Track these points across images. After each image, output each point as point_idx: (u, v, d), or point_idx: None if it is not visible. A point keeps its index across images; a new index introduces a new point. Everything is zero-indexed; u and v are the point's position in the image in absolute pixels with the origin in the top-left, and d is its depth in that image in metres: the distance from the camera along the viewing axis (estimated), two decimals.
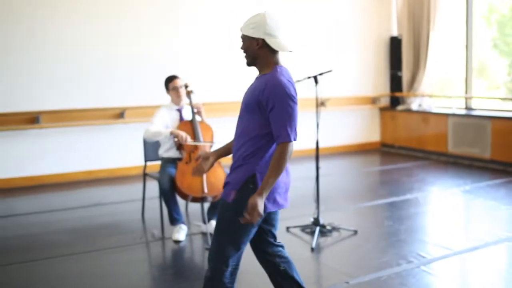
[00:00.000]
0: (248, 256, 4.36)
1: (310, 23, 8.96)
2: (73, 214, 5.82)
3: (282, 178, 2.70)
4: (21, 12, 7.04)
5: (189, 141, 4.69)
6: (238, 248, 2.72)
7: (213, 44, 8.15)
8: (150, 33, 7.75)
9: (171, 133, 4.72)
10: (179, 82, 4.99)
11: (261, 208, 2.55)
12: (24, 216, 5.78)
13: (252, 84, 2.74)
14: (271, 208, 2.68)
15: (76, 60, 7.36)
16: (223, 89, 8.23)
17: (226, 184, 2.74)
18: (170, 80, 5.01)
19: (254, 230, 2.74)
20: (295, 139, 2.59)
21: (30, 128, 7.12)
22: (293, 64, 8.54)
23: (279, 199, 2.72)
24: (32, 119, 7.13)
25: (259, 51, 2.67)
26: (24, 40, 7.06)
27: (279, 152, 2.57)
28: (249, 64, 2.76)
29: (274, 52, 2.67)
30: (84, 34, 7.37)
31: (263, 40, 2.64)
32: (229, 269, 2.73)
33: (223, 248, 2.70)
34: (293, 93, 2.59)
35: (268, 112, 2.59)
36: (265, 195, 2.57)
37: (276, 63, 2.69)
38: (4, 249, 4.72)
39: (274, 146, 2.65)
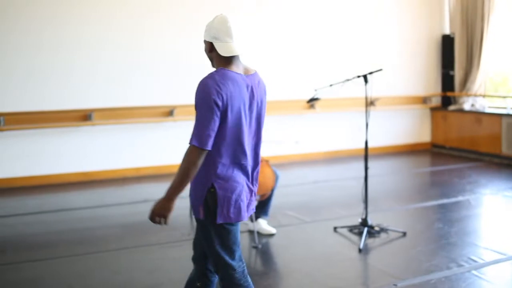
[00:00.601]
0: (294, 256, 4.36)
1: (362, 22, 8.86)
2: (122, 210, 5.94)
3: (236, 190, 2.62)
4: (71, 13, 7.22)
5: None
6: (233, 252, 2.69)
7: (259, 43, 8.17)
8: (199, 32, 7.80)
9: None
10: None
11: (164, 210, 2.59)
12: (76, 210, 5.93)
13: None
14: (219, 219, 2.60)
15: (129, 60, 7.49)
16: (272, 88, 8.22)
17: (192, 202, 2.70)
18: None
19: (237, 230, 2.72)
20: (199, 146, 2.47)
21: (83, 125, 7.30)
22: (344, 63, 8.53)
23: (229, 212, 2.62)
24: (84, 117, 7.31)
25: (211, 54, 2.67)
26: (76, 40, 7.23)
27: (184, 154, 2.52)
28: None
29: (222, 56, 2.60)
30: (138, 33, 7.50)
31: (211, 43, 2.63)
32: (238, 270, 2.71)
33: (220, 258, 2.68)
34: (213, 96, 2.46)
35: None
36: (171, 196, 2.58)
37: (227, 62, 2.61)
38: (56, 243, 4.85)
39: (223, 150, 2.58)
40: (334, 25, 8.69)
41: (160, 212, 2.59)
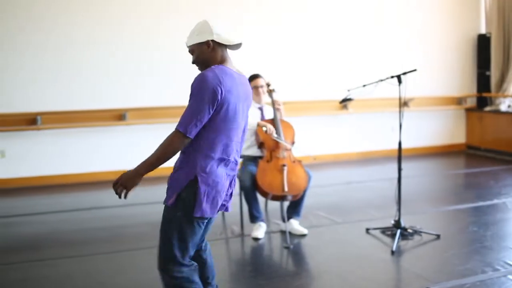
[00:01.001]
0: (326, 257, 4.34)
1: (397, 21, 8.78)
2: (156, 208, 5.96)
3: (217, 186, 2.65)
4: (130, 15, 7.33)
5: (274, 135, 4.71)
6: (187, 249, 2.69)
7: (294, 42, 8.16)
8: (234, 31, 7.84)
9: (258, 124, 4.75)
10: (260, 82, 5.01)
11: (129, 182, 2.65)
12: (108, 209, 6.01)
13: None
14: (197, 213, 2.61)
15: (169, 59, 7.57)
16: (304, 88, 8.21)
17: (168, 188, 2.72)
18: (251, 78, 5.05)
19: (201, 231, 2.73)
20: (184, 132, 2.56)
21: (117, 125, 7.41)
22: (377, 63, 8.43)
23: (207, 206, 2.64)
24: (119, 116, 7.41)
25: (212, 53, 2.69)
26: (113, 40, 7.34)
27: (168, 136, 2.63)
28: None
29: (223, 50, 2.70)
30: (180, 33, 7.58)
31: (212, 40, 2.66)
32: (184, 271, 2.70)
33: (172, 251, 2.67)
34: (214, 88, 2.52)
35: None
36: (140, 171, 2.67)
37: (222, 61, 2.71)
38: (89, 240, 4.92)
39: (213, 144, 2.62)
40: (369, 24, 8.63)
41: (125, 183, 2.64)
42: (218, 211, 2.76)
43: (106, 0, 7.34)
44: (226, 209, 2.84)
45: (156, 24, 7.52)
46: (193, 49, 2.73)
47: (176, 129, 2.58)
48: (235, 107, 2.62)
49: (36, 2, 7.09)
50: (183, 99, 7.71)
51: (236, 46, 2.77)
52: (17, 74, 7.03)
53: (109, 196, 6.70)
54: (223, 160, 2.67)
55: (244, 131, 2.80)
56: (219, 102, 2.54)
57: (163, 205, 2.74)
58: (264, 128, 4.70)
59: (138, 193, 6.61)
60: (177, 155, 2.73)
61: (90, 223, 5.51)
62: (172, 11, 7.57)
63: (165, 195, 2.74)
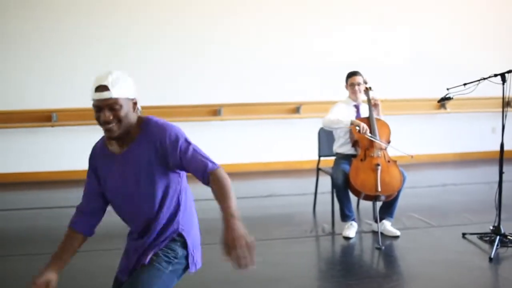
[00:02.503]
0: (419, 260, 4.22)
1: (499, 15, 8.38)
2: (247, 203, 6.08)
3: (199, 237, 2.57)
4: (220, 15, 7.51)
5: (368, 134, 4.65)
6: None
7: (393, 40, 8.00)
8: (329, 31, 7.82)
9: (352, 123, 4.70)
10: (357, 79, 4.95)
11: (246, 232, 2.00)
12: (202, 201, 6.15)
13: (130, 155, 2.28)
14: (192, 268, 2.49)
15: (258, 58, 7.67)
16: (401, 86, 8.03)
17: (147, 249, 2.36)
18: (349, 75, 5.00)
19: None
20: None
21: (213, 120, 7.58)
22: (478, 60, 8.08)
23: (198, 258, 2.54)
24: (214, 112, 7.58)
25: (134, 114, 2.26)
26: (216, 41, 7.53)
27: (221, 176, 2.32)
28: (120, 136, 2.24)
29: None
30: (265, 34, 7.66)
31: (136, 100, 2.26)
32: None
33: None
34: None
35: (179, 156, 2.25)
36: (238, 217, 2.11)
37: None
38: None
39: (187, 193, 2.50)
40: (467, 20, 8.30)
41: (246, 235, 2.05)
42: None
43: None
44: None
45: (246, 24, 7.63)
46: (121, 104, 2.17)
47: (217, 167, 2.32)
48: None
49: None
50: (275, 95, 7.76)
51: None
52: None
53: (202, 189, 6.87)
54: (192, 210, 2.66)
55: None
56: None
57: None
58: (357, 128, 4.64)
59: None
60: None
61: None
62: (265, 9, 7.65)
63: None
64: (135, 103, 2.24)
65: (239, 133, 7.72)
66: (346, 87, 5.04)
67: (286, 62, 7.74)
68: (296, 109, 7.76)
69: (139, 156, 2.25)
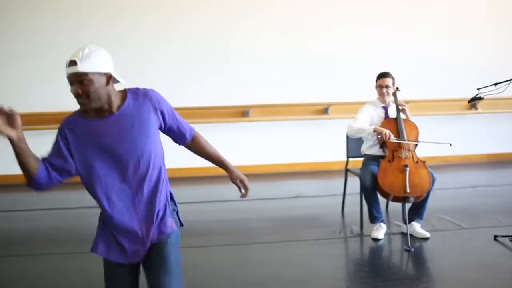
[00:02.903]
0: (449, 262, 4.17)
1: None
2: (275, 204, 6.08)
3: None
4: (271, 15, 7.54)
5: (392, 138, 4.61)
6: None
7: (422, 40, 7.92)
8: (356, 31, 7.78)
9: (374, 130, 4.69)
10: (385, 82, 4.90)
11: None
12: (231, 202, 6.18)
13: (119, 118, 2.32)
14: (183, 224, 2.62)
15: (285, 59, 7.67)
16: (430, 86, 7.93)
17: (161, 219, 2.43)
18: (379, 77, 4.95)
19: None
20: None
21: (240, 121, 7.61)
22: (510, 61, 7.93)
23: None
24: (242, 113, 7.60)
25: (109, 88, 2.27)
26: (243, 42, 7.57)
27: (203, 139, 2.67)
28: (95, 108, 2.27)
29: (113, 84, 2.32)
30: (292, 36, 7.65)
31: (111, 74, 2.27)
32: None
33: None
34: None
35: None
36: None
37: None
38: (212, 231, 5.10)
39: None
40: (499, 19, 8.16)
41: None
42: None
43: None
44: None
45: (274, 26, 7.64)
46: (91, 79, 2.21)
47: (195, 131, 2.64)
48: None
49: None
50: (303, 96, 7.76)
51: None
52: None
53: (231, 190, 6.92)
54: None
55: None
56: None
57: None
58: (379, 136, 4.63)
59: (258, 188, 6.79)
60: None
61: (213, 215, 5.71)
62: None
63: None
64: (109, 77, 2.26)
65: (267, 134, 7.72)
66: (376, 87, 5.00)
67: (314, 63, 7.71)
68: (324, 110, 7.73)
69: (132, 114, 2.33)
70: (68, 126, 2.32)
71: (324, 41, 7.73)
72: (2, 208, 6.31)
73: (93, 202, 2.38)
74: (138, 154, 2.33)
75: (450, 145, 4.80)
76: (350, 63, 7.72)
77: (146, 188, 2.38)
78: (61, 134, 2.31)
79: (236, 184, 2.62)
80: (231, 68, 7.62)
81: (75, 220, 5.57)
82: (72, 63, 2.19)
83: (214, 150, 2.67)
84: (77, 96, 2.22)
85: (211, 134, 7.86)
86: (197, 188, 6.87)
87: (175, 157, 7.39)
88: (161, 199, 2.44)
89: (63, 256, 4.49)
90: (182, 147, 2.70)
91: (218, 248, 4.60)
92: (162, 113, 2.41)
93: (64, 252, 4.56)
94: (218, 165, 2.67)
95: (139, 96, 2.37)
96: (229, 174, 2.63)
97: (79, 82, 2.19)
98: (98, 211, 2.42)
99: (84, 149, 2.31)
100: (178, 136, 2.57)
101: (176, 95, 7.40)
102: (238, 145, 7.64)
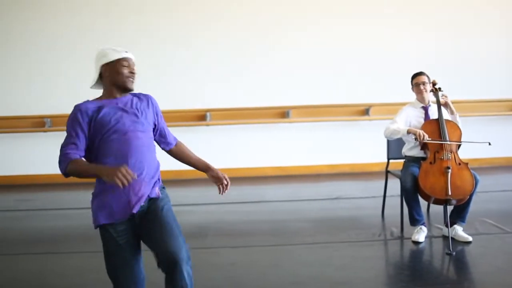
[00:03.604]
0: (492, 267, 4.09)
1: None
2: (315, 205, 6.08)
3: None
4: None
5: (427, 138, 4.54)
6: None
7: (460, 42, 7.80)
8: (395, 32, 7.71)
9: (408, 132, 4.63)
10: (421, 78, 4.85)
11: None
12: (272, 203, 6.22)
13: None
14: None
15: (326, 60, 7.67)
16: (474, 87, 7.80)
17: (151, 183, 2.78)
18: (413, 76, 4.91)
19: None
20: None
21: (281, 122, 7.64)
22: None
23: None
24: (282, 114, 7.63)
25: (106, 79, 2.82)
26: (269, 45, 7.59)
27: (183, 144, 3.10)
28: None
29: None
30: (331, 37, 7.64)
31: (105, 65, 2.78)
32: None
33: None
34: None
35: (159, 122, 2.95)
36: None
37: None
38: (252, 232, 5.14)
39: None
40: None
41: None
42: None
43: None
44: None
45: (314, 27, 7.63)
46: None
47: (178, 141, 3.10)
48: None
49: None
50: (344, 97, 7.73)
51: None
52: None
53: (272, 190, 6.99)
54: None
55: None
56: None
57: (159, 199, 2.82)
58: (413, 136, 4.58)
59: (300, 189, 6.81)
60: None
61: (254, 216, 5.76)
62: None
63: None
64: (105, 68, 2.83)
65: (307, 135, 7.73)
66: (412, 89, 4.94)
67: (354, 64, 7.69)
68: (365, 111, 7.69)
69: (134, 100, 2.84)
70: (84, 111, 2.70)
71: (366, 42, 7.69)
72: (33, 207, 6.49)
73: None
74: (142, 131, 2.80)
75: (489, 144, 4.71)
76: (391, 64, 7.66)
77: (147, 165, 2.77)
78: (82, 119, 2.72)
79: (218, 184, 3.02)
80: (272, 69, 7.65)
81: None
82: (127, 52, 2.81)
83: (196, 156, 3.06)
84: (131, 74, 2.79)
85: (252, 135, 8.09)
86: (237, 189, 6.92)
87: (219, 158, 7.58)
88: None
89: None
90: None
91: (258, 249, 4.63)
92: (157, 114, 2.92)
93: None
94: (202, 169, 3.04)
95: (141, 95, 2.91)
96: (211, 176, 3.02)
97: (131, 65, 2.80)
98: None
99: (106, 121, 2.77)
100: (165, 139, 3.01)
101: (219, 96, 7.56)
102: (278, 146, 7.68)
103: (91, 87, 2.87)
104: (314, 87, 7.70)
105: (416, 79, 4.88)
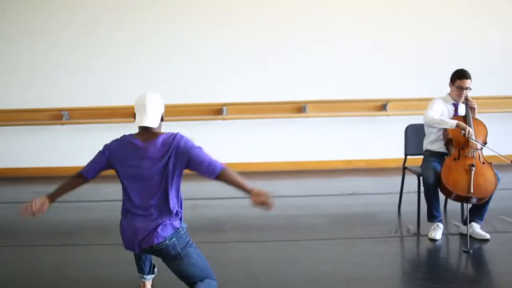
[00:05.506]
0: (510, 266, 4.05)
1: None
2: (330, 201, 6.06)
3: None
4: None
5: (473, 139, 4.49)
6: None
7: (485, 38, 7.71)
8: (420, 27, 7.65)
9: (457, 125, 4.55)
10: (466, 83, 4.69)
11: None
12: (286, 198, 6.20)
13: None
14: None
15: (343, 54, 7.62)
16: (497, 83, 7.70)
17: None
18: (459, 77, 4.73)
19: None
20: None
21: (298, 117, 7.62)
22: None
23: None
24: (299, 108, 7.61)
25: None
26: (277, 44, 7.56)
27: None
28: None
29: None
30: (348, 30, 7.60)
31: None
32: None
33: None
34: None
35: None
36: None
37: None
38: (267, 227, 5.11)
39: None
40: None
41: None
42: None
43: None
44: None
45: (328, 20, 7.59)
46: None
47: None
48: None
49: None
50: (361, 92, 7.67)
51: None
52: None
53: (287, 185, 6.97)
54: None
55: None
56: None
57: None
58: (462, 131, 4.50)
59: (314, 184, 6.79)
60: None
61: (268, 211, 5.73)
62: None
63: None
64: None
65: (324, 130, 7.69)
66: (450, 85, 4.84)
67: (373, 58, 7.63)
68: (382, 107, 7.64)
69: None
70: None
71: (384, 36, 7.63)
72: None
73: None
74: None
75: (511, 162, 4.66)
76: (409, 60, 7.60)
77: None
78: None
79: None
80: (290, 64, 7.62)
81: None
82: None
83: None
84: None
85: (268, 129, 8.08)
86: (252, 184, 6.90)
87: (235, 152, 7.57)
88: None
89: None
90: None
91: (273, 244, 4.63)
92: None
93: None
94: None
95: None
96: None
97: None
98: None
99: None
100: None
101: (236, 90, 7.55)
102: (294, 141, 7.66)
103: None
104: (331, 82, 7.65)
105: (462, 82, 4.70)
